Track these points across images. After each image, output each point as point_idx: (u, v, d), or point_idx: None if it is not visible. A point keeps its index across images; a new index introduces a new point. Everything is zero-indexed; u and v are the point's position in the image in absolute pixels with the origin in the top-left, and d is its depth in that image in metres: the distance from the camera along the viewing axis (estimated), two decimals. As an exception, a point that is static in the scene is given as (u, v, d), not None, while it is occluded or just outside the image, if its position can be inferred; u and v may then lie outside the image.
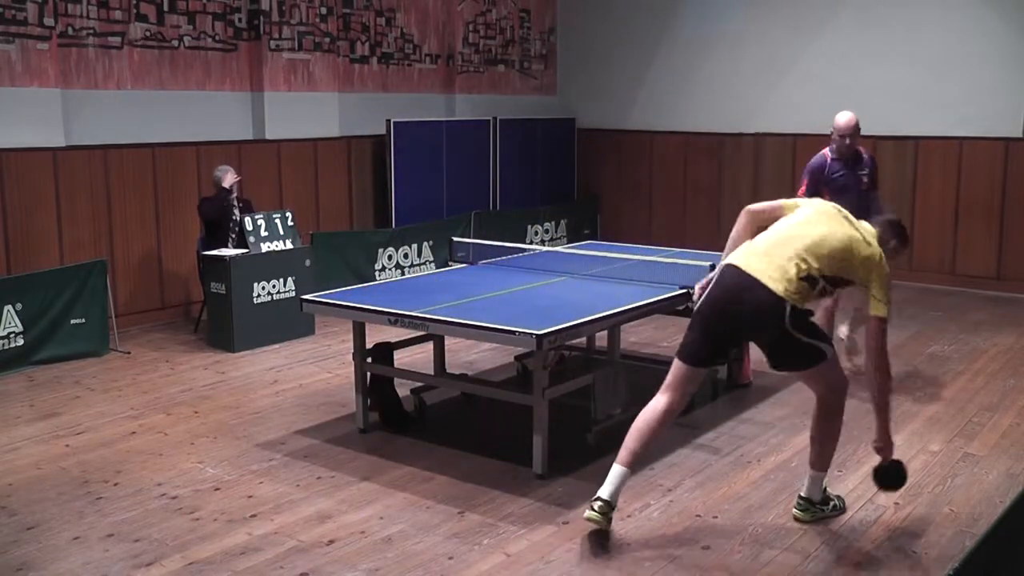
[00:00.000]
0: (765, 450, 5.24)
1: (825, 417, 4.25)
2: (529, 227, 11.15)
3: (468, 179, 10.66)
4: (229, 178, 7.60)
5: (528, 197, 11.46)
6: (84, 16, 7.64)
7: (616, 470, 4.13)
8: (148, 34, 8.06)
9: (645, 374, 6.34)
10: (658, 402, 4.14)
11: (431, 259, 9.69)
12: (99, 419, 5.77)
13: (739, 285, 3.97)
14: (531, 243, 10.66)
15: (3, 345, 6.62)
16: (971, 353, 7.22)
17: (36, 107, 7.29)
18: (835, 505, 4.42)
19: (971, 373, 6.70)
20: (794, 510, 4.36)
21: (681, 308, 5.66)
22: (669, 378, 4.14)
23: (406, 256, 9.49)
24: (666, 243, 8.43)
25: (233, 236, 7.56)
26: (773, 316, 3.90)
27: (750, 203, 4.45)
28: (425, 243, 9.67)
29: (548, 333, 4.49)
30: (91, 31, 7.70)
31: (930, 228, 9.90)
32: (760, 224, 4.25)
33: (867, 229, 4.12)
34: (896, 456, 4.34)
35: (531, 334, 4.46)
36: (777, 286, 3.90)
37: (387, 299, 5.27)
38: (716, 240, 10.82)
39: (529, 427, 4.81)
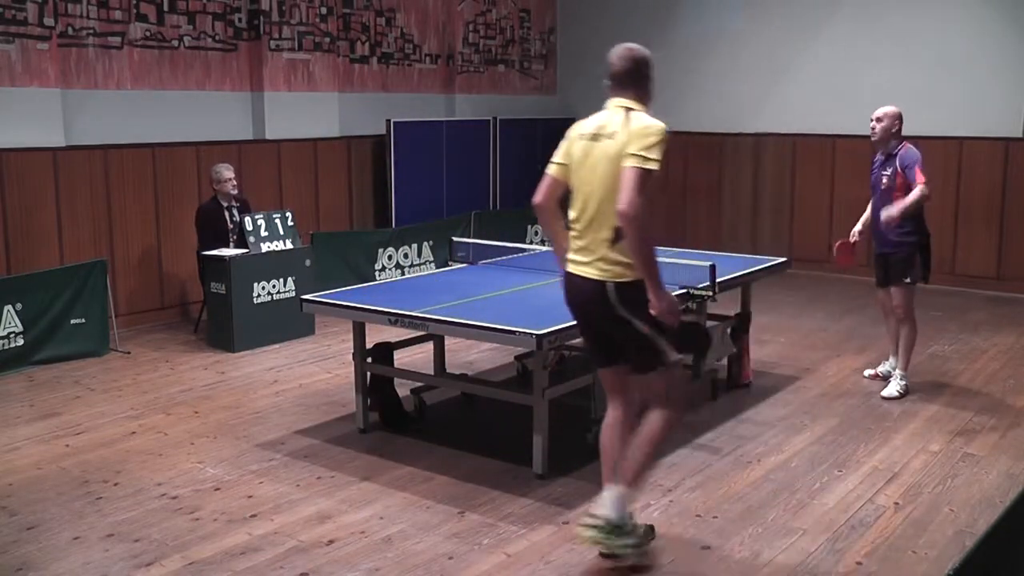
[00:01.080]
0: (765, 450, 5.24)
1: (645, 423, 3.83)
2: (529, 227, 11.14)
3: (468, 179, 10.66)
4: (228, 187, 7.62)
5: (528, 197, 11.35)
6: (84, 16, 7.64)
7: (609, 491, 3.87)
8: (148, 34, 8.06)
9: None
10: (608, 416, 4.02)
11: (431, 259, 9.69)
12: (99, 419, 5.77)
13: (573, 288, 3.84)
14: (531, 243, 10.66)
15: (3, 345, 6.62)
16: (971, 353, 7.22)
17: (36, 107, 7.29)
18: (637, 532, 3.84)
19: (971, 373, 6.70)
20: (583, 528, 3.82)
21: (681, 308, 5.65)
22: (605, 388, 4.04)
23: (406, 256, 9.49)
24: (666, 243, 8.42)
25: (233, 238, 7.57)
26: (602, 305, 3.69)
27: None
28: (425, 243, 9.67)
29: (548, 333, 4.50)
30: (91, 31, 7.70)
31: (930, 228, 9.87)
32: (555, 208, 3.96)
33: (623, 105, 3.79)
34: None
35: (531, 334, 4.46)
36: (591, 270, 3.69)
37: (387, 299, 5.27)
38: (716, 240, 10.88)
39: (529, 427, 4.81)
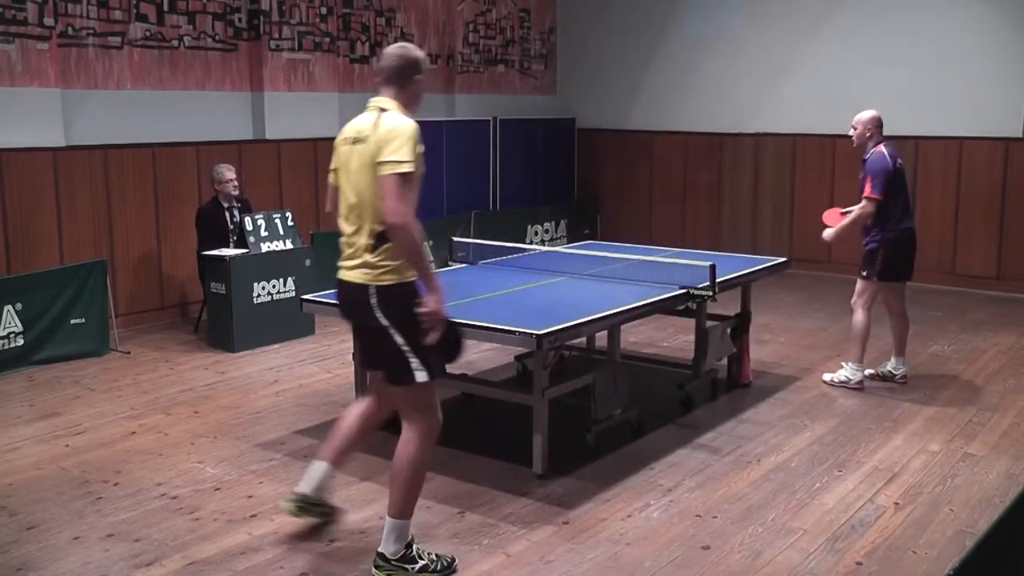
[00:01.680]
0: (765, 450, 5.24)
1: (400, 446, 3.76)
2: (529, 227, 11.15)
3: (468, 179, 10.66)
4: (229, 188, 7.61)
5: (528, 197, 11.46)
6: (84, 16, 7.64)
7: (316, 465, 4.09)
8: (148, 34, 8.06)
9: (645, 374, 6.36)
10: (360, 403, 4.14)
11: (431, 259, 9.66)
12: (99, 419, 5.77)
13: (342, 292, 3.86)
14: (531, 243, 10.66)
15: (3, 345, 6.62)
16: (971, 353, 7.22)
17: (36, 107, 7.29)
18: (427, 565, 3.76)
19: (971, 373, 6.70)
20: (373, 568, 3.79)
21: (681, 308, 5.66)
22: (369, 382, 4.08)
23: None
24: (666, 243, 8.43)
25: (234, 238, 7.57)
26: (362, 307, 3.70)
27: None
28: (425, 243, 9.65)
29: (548, 333, 4.50)
30: (91, 31, 7.70)
31: (930, 228, 9.88)
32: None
33: (378, 106, 3.74)
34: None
35: (531, 334, 4.46)
36: (355, 274, 3.71)
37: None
38: (716, 240, 10.88)
39: (529, 427, 4.81)
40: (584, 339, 6.32)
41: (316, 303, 5.37)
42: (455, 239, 6.89)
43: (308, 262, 7.80)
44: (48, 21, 7.28)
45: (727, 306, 6.42)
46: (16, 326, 6.69)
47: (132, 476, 4.87)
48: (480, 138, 10.79)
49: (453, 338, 3.81)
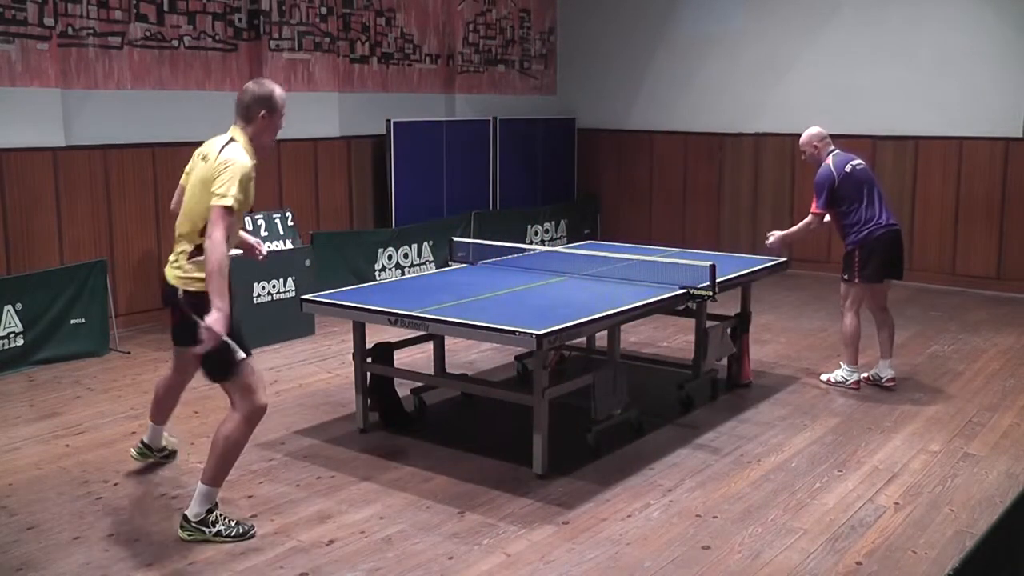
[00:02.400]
0: (765, 450, 5.24)
1: (222, 424, 4.13)
2: (529, 227, 11.15)
3: (468, 179, 10.66)
4: None
5: (528, 197, 11.46)
6: (84, 16, 7.64)
7: (150, 426, 4.91)
8: (148, 34, 8.06)
9: (645, 374, 6.36)
10: (165, 373, 4.85)
11: (431, 259, 9.69)
12: (99, 419, 5.77)
13: (163, 286, 4.31)
14: (531, 243, 10.66)
15: (3, 345, 6.62)
16: (971, 353, 7.22)
17: (36, 107, 7.28)
18: (221, 531, 4.11)
19: (971, 373, 6.70)
20: (178, 530, 4.15)
21: (681, 308, 5.67)
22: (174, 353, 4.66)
23: (406, 256, 9.49)
24: (666, 243, 8.44)
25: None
26: (173, 304, 4.16)
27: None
28: (425, 243, 9.67)
29: (548, 333, 4.50)
30: (91, 31, 7.70)
31: (930, 228, 9.90)
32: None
33: (230, 134, 4.16)
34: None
35: (531, 334, 4.46)
36: (170, 275, 4.16)
37: (387, 299, 5.27)
38: (716, 240, 10.88)
39: (529, 427, 4.81)
40: (584, 339, 6.32)
41: (316, 303, 5.37)
42: (455, 239, 6.89)
43: (308, 262, 7.80)
44: (48, 21, 7.28)
45: (727, 306, 6.42)
46: (16, 326, 6.69)
47: (132, 476, 4.87)
48: (480, 138, 10.79)
49: (222, 357, 4.03)
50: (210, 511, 4.15)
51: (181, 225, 4.21)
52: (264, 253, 4.80)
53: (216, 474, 4.14)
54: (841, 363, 6.42)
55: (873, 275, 6.22)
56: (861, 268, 6.20)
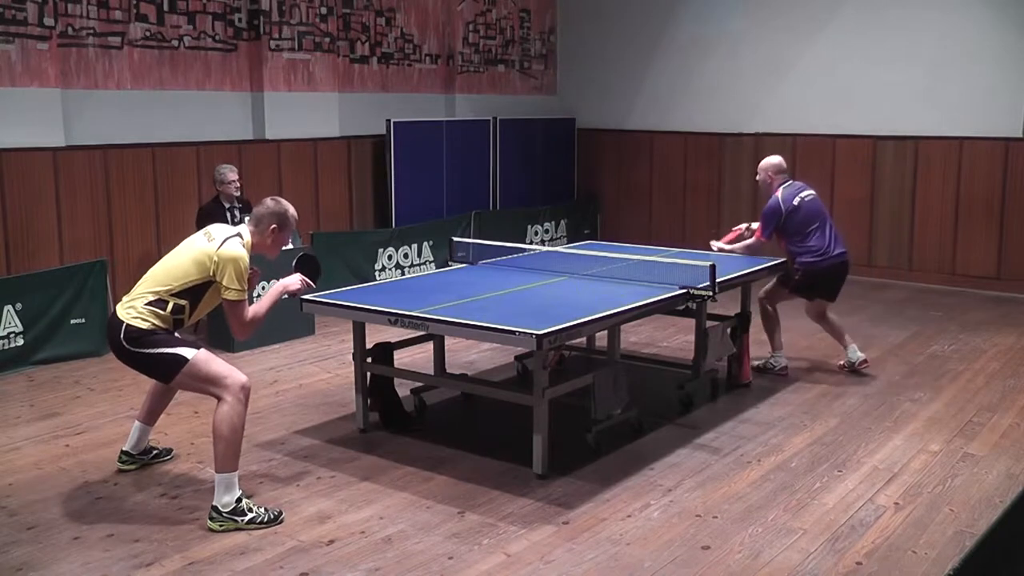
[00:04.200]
0: (765, 450, 5.24)
1: (214, 415, 4.32)
2: (529, 227, 11.15)
3: (468, 179, 10.66)
4: (231, 189, 7.60)
5: (528, 197, 11.45)
6: (84, 16, 7.64)
7: (135, 424, 4.94)
8: (148, 34, 8.06)
9: (645, 374, 6.36)
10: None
11: (431, 259, 9.69)
12: (99, 419, 5.77)
13: (108, 324, 4.56)
14: (531, 243, 10.66)
15: (3, 345, 6.62)
16: (971, 353, 7.22)
17: (36, 107, 7.28)
18: (255, 517, 4.28)
19: (971, 373, 6.70)
20: (208, 521, 4.28)
21: (681, 308, 5.66)
22: None
23: (406, 256, 9.49)
24: (666, 243, 8.43)
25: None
26: (115, 341, 4.38)
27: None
28: (425, 243, 9.67)
29: (548, 333, 4.49)
30: (91, 31, 7.70)
31: (930, 228, 9.90)
32: None
33: (239, 230, 4.55)
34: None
35: (531, 334, 4.46)
36: (124, 314, 4.39)
37: (387, 299, 5.27)
38: (716, 240, 10.86)
39: (529, 427, 4.81)
40: (584, 339, 6.32)
41: (316, 303, 5.37)
42: (455, 239, 6.89)
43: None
44: (48, 21, 7.28)
45: (727, 306, 6.42)
46: (16, 326, 6.69)
47: (132, 476, 4.87)
48: (480, 138, 10.79)
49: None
50: (239, 500, 4.26)
51: (154, 278, 4.46)
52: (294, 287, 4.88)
53: (226, 459, 4.25)
54: (771, 351, 6.73)
55: (806, 294, 6.63)
56: (798, 285, 6.58)
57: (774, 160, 6.79)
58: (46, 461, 5.09)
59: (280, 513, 4.36)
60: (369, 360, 5.56)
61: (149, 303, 4.37)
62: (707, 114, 11.13)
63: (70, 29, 7.56)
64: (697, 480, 4.82)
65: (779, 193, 6.61)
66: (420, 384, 5.78)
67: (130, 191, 7.95)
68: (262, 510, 4.32)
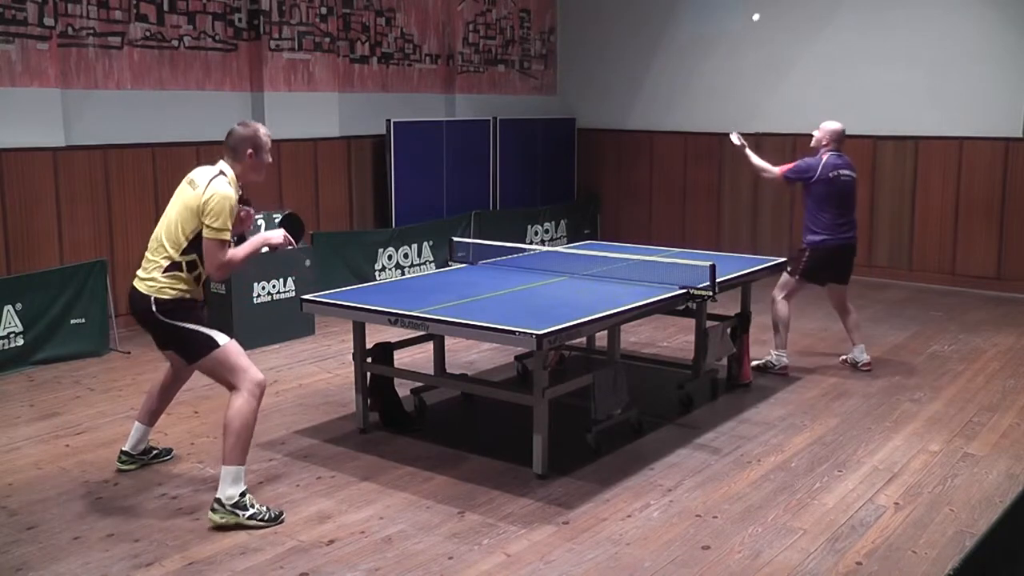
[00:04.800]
0: (765, 450, 5.24)
1: (227, 408, 4.34)
2: (529, 227, 11.15)
3: (468, 179, 10.66)
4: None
5: (528, 197, 11.45)
6: (84, 16, 7.64)
7: (134, 424, 4.92)
8: (148, 34, 8.06)
9: (645, 374, 6.36)
10: (164, 374, 4.92)
11: (431, 259, 9.69)
12: (99, 419, 5.77)
13: (130, 298, 4.52)
14: (531, 243, 10.66)
15: (3, 345, 6.62)
16: (971, 353, 7.22)
17: (36, 107, 7.28)
18: (256, 514, 4.28)
19: (971, 373, 6.70)
20: (209, 512, 4.31)
21: (681, 308, 5.67)
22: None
23: (406, 256, 9.48)
24: (666, 243, 8.43)
25: (234, 238, 7.55)
26: (145, 313, 4.39)
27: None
28: (425, 243, 9.67)
29: (548, 333, 4.49)
30: (91, 31, 7.70)
31: (930, 228, 9.90)
32: None
33: (219, 167, 4.46)
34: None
35: (531, 334, 4.46)
36: (143, 286, 4.38)
37: (387, 299, 5.27)
38: (716, 240, 10.88)
39: (529, 427, 4.81)
40: (584, 339, 6.32)
41: (316, 303, 5.37)
42: (455, 239, 6.89)
43: (308, 262, 7.80)
44: (48, 21, 7.28)
45: (727, 306, 6.42)
46: (16, 326, 6.69)
47: (132, 476, 4.87)
48: (480, 138, 10.78)
49: (294, 228, 4.66)
50: (243, 494, 4.28)
51: (160, 242, 4.41)
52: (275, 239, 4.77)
53: (235, 452, 4.28)
54: (772, 349, 6.73)
55: (812, 278, 6.61)
56: (805, 269, 6.56)
57: (836, 126, 6.65)
58: (46, 461, 5.09)
59: (281, 513, 4.37)
60: (369, 360, 5.56)
61: (166, 271, 4.35)
62: (707, 114, 11.12)
63: (70, 29, 7.56)
64: (697, 480, 4.82)
65: (824, 157, 6.53)
66: (420, 384, 5.78)
67: (130, 191, 7.95)
68: (264, 508, 4.33)
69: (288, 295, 7.58)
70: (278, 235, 4.58)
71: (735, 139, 6.94)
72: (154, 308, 4.32)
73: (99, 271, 7.17)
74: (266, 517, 4.30)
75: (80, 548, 4.10)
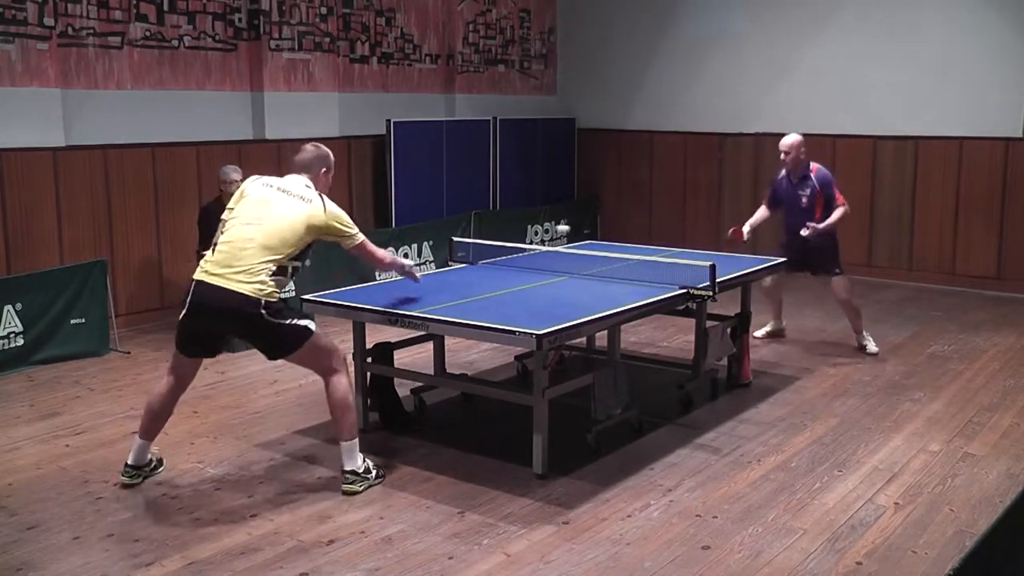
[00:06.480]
0: (765, 450, 5.24)
1: (330, 390, 4.60)
2: (529, 227, 11.15)
3: (468, 179, 10.66)
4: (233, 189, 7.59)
5: (528, 197, 11.45)
6: (84, 16, 7.64)
7: (137, 442, 4.76)
8: (148, 34, 8.06)
9: (645, 374, 6.36)
10: (160, 383, 4.77)
11: (431, 259, 9.69)
12: (99, 419, 5.77)
13: (215, 297, 4.43)
14: (531, 243, 10.66)
15: (3, 345, 6.62)
16: (971, 353, 7.22)
17: (36, 107, 7.28)
18: (379, 472, 4.76)
19: (971, 373, 6.70)
20: (343, 486, 4.60)
21: (681, 308, 5.66)
22: (170, 362, 4.77)
23: (406, 256, 9.48)
24: (666, 243, 8.43)
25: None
26: (247, 314, 4.39)
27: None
28: (425, 243, 9.67)
29: (548, 333, 4.49)
30: (91, 31, 7.70)
31: (930, 228, 9.90)
32: None
33: (297, 185, 4.66)
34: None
35: (531, 334, 4.46)
36: (246, 288, 4.39)
37: (387, 299, 5.27)
38: (716, 240, 10.87)
39: (529, 427, 4.81)
40: (584, 339, 6.32)
41: (316, 303, 5.37)
42: (455, 239, 6.89)
43: (308, 262, 7.78)
44: (48, 21, 7.28)
45: (727, 306, 6.42)
46: (16, 326, 6.69)
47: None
48: (480, 138, 10.78)
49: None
50: (364, 460, 4.67)
51: (265, 246, 4.44)
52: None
53: (349, 428, 4.60)
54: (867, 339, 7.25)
55: (837, 268, 7.16)
56: (839, 258, 7.13)
57: (799, 136, 7.03)
58: (46, 461, 5.09)
59: (382, 469, 4.79)
60: (369, 360, 5.56)
61: (275, 274, 4.43)
62: (707, 114, 11.13)
63: (70, 29, 7.56)
64: (697, 480, 4.82)
65: (818, 164, 7.06)
66: (420, 384, 5.78)
67: (130, 191, 7.95)
68: (376, 468, 4.74)
69: (288, 295, 7.56)
70: (417, 272, 5.27)
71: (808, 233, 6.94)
72: (263, 311, 4.38)
73: (99, 271, 7.16)
74: (381, 473, 4.74)
75: (80, 548, 4.09)
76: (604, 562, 3.96)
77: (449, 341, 6.06)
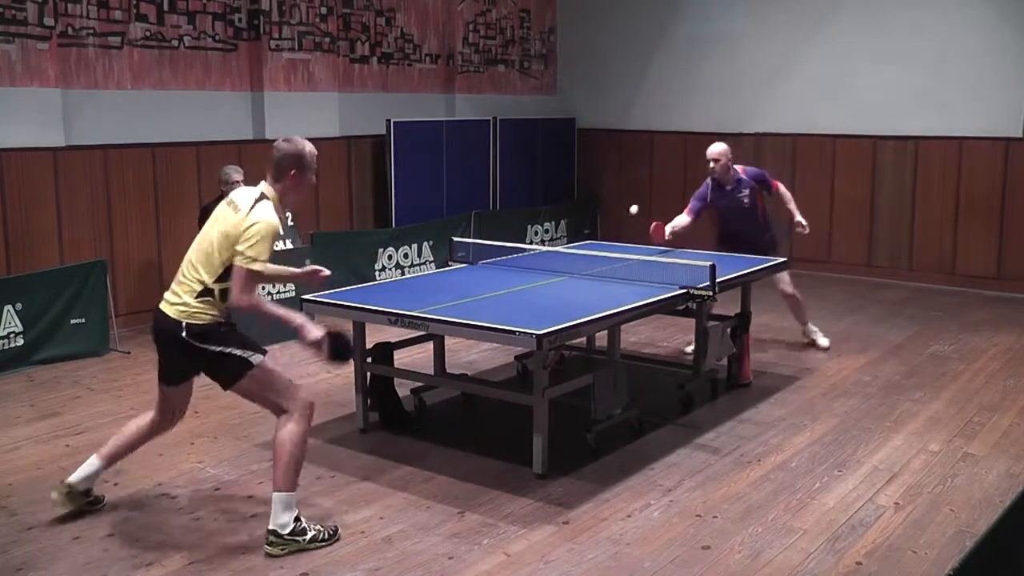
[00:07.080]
0: (765, 450, 5.24)
1: (276, 430, 4.12)
2: (529, 227, 11.15)
3: (468, 179, 10.66)
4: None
5: (528, 197, 11.45)
6: (84, 16, 7.64)
7: (92, 461, 4.33)
8: (148, 34, 8.06)
9: (645, 374, 6.36)
10: (143, 417, 4.40)
11: (431, 259, 9.69)
12: (99, 419, 5.77)
13: (157, 321, 4.12)
14: (531, 243, 10.66)
15: (3, 345, 6.62)
16: (971, 353, 7.22)
17: (36, 107, 7.28)
18: (324, 534, 4.10)
19: (971, 373, 6.70)
20: (264, 545, 4.03)
21: (681, 308, 5.67)
22: (161, 399, 4.35)
23: (406, 256, 9.48)
24: (666, 243, 8.41)
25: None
26: (174, 339, 4.02)
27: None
28: (425, 243, 9.67)
29: (548, 333, 4.49)
30: (91, 31, 7.70)
31: (930, 228, 9.90)
32: None
33: (262, 189, 4.16)
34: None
35: (531, 334, 4.46)
36: (172, 311, 4.04)
37: (387, 299, 5.27)
38: (716, 240, 10.84)
39: (529, 427, 4.81)
40: (584, 339, 6.32)
41: (316, 303, 5.38)
42: (455, 239, 6.89)
43: (308, 262, 7.79)
44: (48, 21, 7.28)
45: (727, 306, 6.42)
46: (16, 326, 6.69)
47: (132, 476, 4.87)
48: (480, 138, 10.78)
49: (341, 344, 4.16)
50: (297, 519, 4.04)
51: (194, 265, 4.06)
52: (323, 272, 4.71)
53: (287, 479, 4.04)
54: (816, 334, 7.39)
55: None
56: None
57: (725, 144, 7.20)
58: (46, 461, 5.09)
59: (337, 528, 4.18)
60: (369, 360, 5.56)
61: (199, 296, 3.99)
62: (707, 114, 11.12)
63: (70, 29, 7.56)
64: (697, 480, 4.82)
65: (744, 165, 7.28)
66: (420, 384, 5.78)
67: (130, 191, 7.95)
68: (320, 528, 4.12)
69: (288, 295, 7.57)
70: (316, 334, 4.09)
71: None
72: (184, 333, 3.98)
73: (99, 271, 7.16)
74: (324, 536, 4.08)
75: (80, 548, 4.09)
76: (604, 562, 3.96)
77: (449, 341, 6.06)
